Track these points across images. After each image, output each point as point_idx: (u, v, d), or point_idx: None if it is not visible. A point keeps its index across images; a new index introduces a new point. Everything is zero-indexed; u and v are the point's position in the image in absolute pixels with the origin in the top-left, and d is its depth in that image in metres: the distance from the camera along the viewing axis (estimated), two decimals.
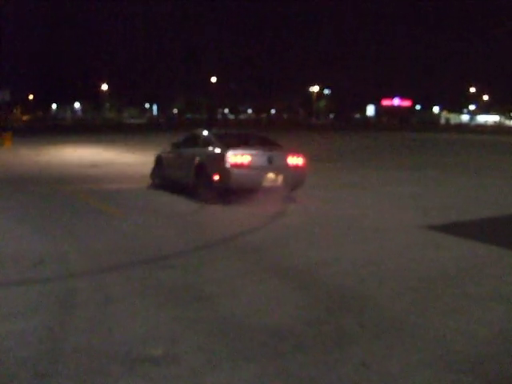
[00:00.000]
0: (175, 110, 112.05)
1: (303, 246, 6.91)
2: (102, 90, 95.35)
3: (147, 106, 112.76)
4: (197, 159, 10.39)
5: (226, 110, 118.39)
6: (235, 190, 9.91)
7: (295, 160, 10.14)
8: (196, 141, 11.07)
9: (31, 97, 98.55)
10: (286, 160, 10.06)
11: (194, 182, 10.43)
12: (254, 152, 9.85)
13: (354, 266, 5.88)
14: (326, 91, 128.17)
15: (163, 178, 12.08)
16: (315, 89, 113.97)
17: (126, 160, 20.38)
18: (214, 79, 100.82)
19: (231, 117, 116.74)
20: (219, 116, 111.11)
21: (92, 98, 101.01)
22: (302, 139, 37.51)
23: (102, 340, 3.98)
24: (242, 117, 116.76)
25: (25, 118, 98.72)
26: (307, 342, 3.94)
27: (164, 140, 24.53)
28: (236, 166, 9.59)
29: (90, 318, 4.44)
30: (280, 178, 9.81)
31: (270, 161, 9.85)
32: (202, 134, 11.08)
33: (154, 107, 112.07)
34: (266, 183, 9.78)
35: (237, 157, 9.61)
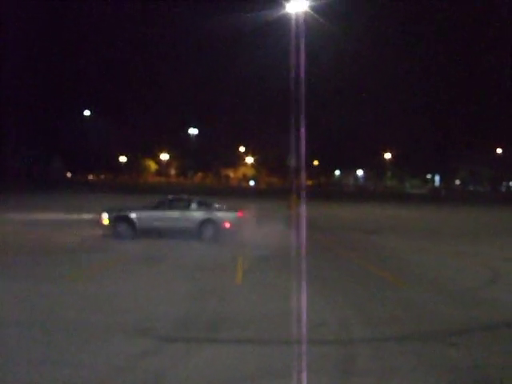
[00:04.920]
0: (457, 181, 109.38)
1: None
2: (385, 159, 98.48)
3: (429, 176, 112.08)
4: None
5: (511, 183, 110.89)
6: None
7: None
8: None
9: (316, 162, 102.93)
10: None
11: None
12: None
13: None
14: None
15: None
16: None
17: None
18: (499, 150, 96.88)
19: None
20: (503, 188, 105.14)
21: (375, 166, 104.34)
22: None
23: None
24: None
25: (309, 182, 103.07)
26: None
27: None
28: None
29: None
30: None
31: None
32: None
33: (436, 178, 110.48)
34: None
35: None
